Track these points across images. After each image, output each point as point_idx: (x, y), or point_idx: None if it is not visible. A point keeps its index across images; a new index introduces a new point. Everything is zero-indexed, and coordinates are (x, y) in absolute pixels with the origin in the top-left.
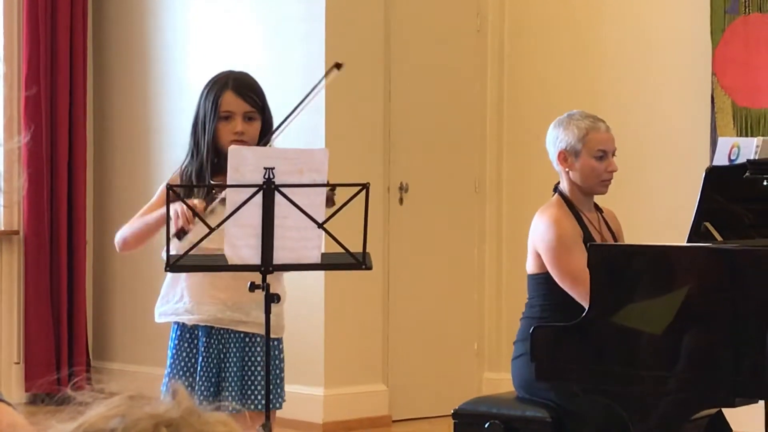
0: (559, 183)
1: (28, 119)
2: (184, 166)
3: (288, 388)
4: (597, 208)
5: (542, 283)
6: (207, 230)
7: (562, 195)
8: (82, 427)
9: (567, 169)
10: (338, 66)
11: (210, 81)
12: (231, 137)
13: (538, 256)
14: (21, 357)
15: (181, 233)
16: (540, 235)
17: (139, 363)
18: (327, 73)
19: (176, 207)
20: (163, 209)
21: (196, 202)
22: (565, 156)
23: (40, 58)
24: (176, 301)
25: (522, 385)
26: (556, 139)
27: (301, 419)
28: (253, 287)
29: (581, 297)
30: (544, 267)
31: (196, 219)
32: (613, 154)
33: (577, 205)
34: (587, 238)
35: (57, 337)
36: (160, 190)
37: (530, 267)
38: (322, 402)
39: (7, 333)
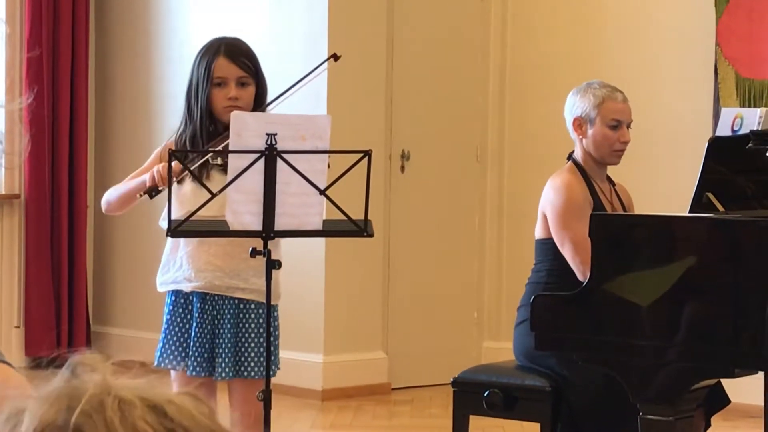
0: (573, 152)
1: (31, 81)
2: (179, 134)
3: (287, 354)
4: (610, 180)
5: (549, 248)
6: (208, 196)
7: (575, 163)
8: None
9: (581, 137)
10: (335, 57)
11: (202, 48)
12: (225, 103)
13: (547, 220)
14: (21, 321)
15: (152, 191)
16: (549, 198)
17: (139, 328)
18: (323, 63)
19: (156, 167)
20: (146, 176)
21: (174, 164)
22: (579, 123)
23: (42, 19)
24: (176, 269)
25: (523, 352)
26: (572, 106)
27: (301, 386)
28: (254, 253)
29: (577, 265)
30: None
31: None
32: (629, 126)
33: (590, 173)
34: (598, 207)
35: (57, 302)
36: (153, 155)
37: (538, 232)
38: (322, 369)
39: (8, 297)
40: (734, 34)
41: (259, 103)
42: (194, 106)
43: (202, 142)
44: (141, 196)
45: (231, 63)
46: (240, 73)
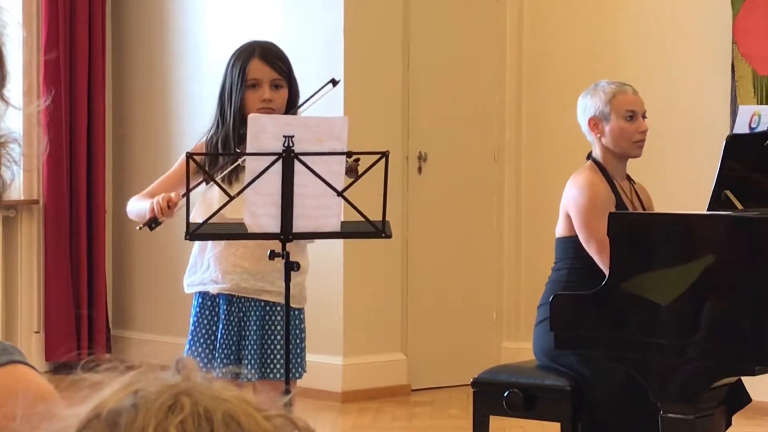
0: (591, 152)
1: (48, 84)
2: (209, 136)
3: (307, 357)
4: (629, 179)
5: (571, 246)
6: (226, 198)
7: (595, 162)
8: (97, 410)
9: (599, 135)
10: (334, 83)
11: (236, 50)
12: (259, 105)
13: (569, 218)
14: (41, 326)
15: (152, 222)
16: (573, 197)
17: (158, 332)
18: (321, 88)
19: (157, 198)
20: (146, 205)
21: (171, 195)
22: (595, 122)
23: (59, 22)
24: (203, 271)
25: (543, 350)
26: (585, 108)
27: (320, 388)
28: (273, 255)
29: (605, 264)
30: (573, 230)
31: (172, 210)
32: (644, 116)
33: (611, 172)
34: (619, 205)
35: (76, 306)
36: (180, 160)
37: (560, 230)
38: (341, 371)
39: (27, 302)
40: (751, 32)
41: (291, 105)
42: (227, 108)
43: (234, 145)
44: (140, 228)
45: (265, 65)
46: (274, 76)
